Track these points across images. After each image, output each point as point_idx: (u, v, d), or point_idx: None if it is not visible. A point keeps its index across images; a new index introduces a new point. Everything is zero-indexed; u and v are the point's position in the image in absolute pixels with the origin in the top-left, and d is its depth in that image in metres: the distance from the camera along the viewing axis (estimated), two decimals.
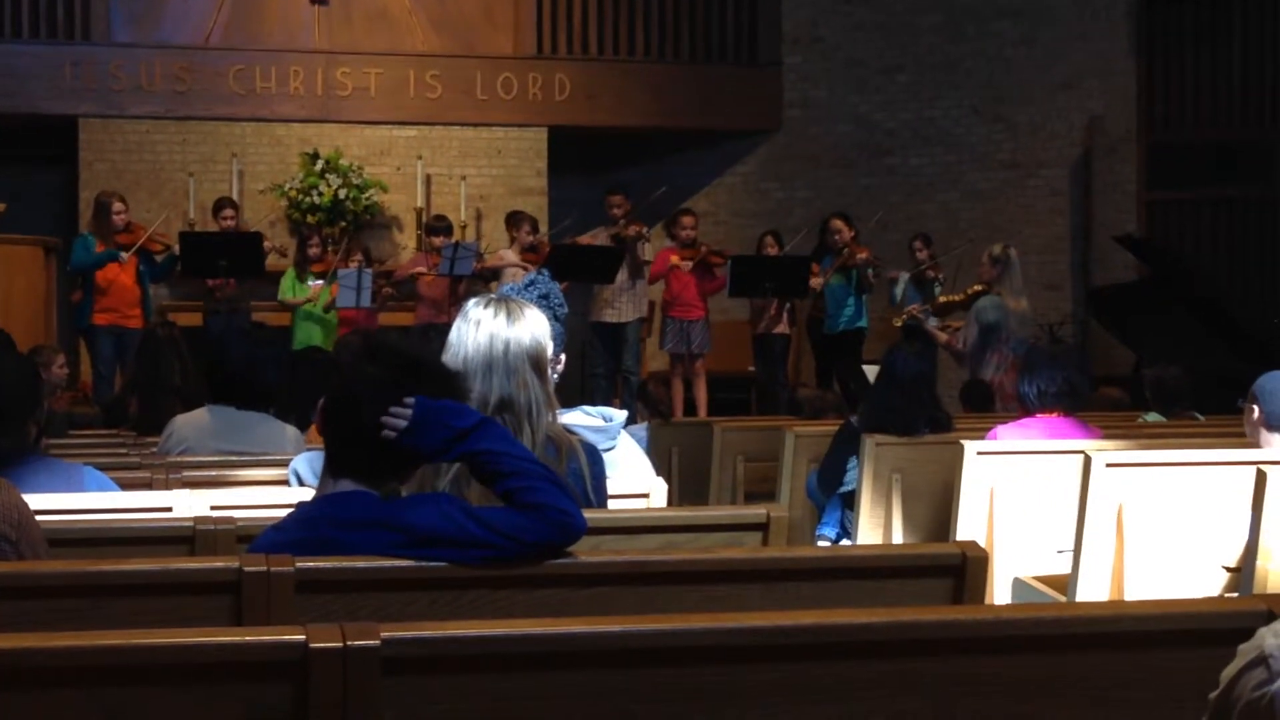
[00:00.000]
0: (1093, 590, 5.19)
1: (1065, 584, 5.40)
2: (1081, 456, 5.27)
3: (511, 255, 13.73)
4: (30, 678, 2.45)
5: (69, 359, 11.65)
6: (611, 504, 4.28)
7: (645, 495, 4.68)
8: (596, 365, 13.92)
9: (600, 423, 4.63)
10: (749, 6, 17.54)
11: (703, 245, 14.04)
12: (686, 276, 13.72)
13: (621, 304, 13.73)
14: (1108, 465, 5.18)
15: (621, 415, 4.76)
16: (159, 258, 13.56)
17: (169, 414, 7.09)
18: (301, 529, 3.39)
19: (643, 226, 13.89)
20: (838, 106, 17.38)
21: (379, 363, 3.46)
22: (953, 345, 13.03)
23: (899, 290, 14.10)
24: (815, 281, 13.87)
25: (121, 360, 12.57)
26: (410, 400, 3.36)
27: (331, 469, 3.48)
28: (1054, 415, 6.67)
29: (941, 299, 13.72)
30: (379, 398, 3.38)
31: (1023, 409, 6.88)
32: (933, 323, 13.60)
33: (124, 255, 12.88)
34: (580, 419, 4.56)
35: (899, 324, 13.77)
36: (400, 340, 3.61)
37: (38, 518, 3.71)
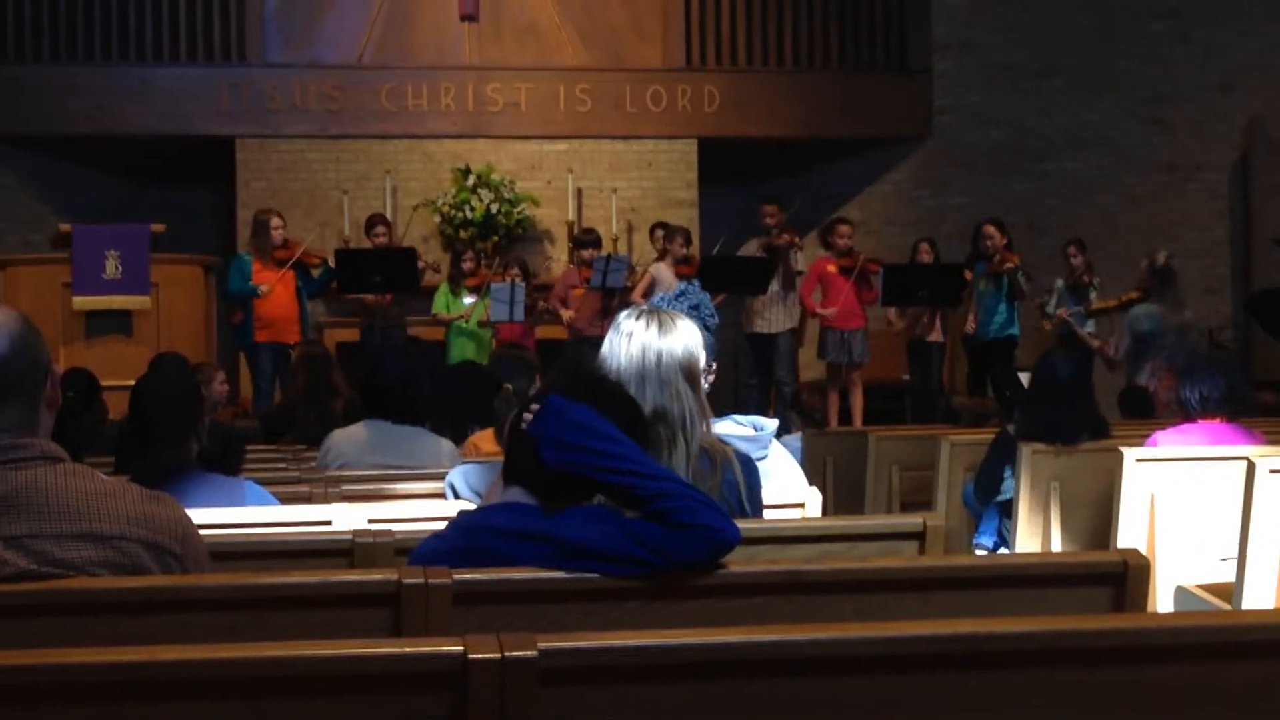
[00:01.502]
0: (1258, 598, 5.10)
1: (1230, 592, 5.30)
2: (1245, 462, 5.17)
3: (664, 270, 13.69)
4: (194, 689, 2.48)
5: (228, 376, 11.84)
6: (766, 514, 4.27)
7: (800, 505, 4.67)
8: (750, 376, 13.89)
9: (751, 432, 4.61)
10: (898, 12, 17.45)
11: (859, 254, 13.95)
12: (843, 284, 13.63)
13: (772, 314, 13.69)
14: (1271, 471, 5.08)
15: (773, 425, 4.74)
16: (316, 272, 13.72)
17: (339, 418, 7.20)
18: (461, 536, 3.41)
19: (795, 236, 13.84)
20: (990, 111, 17.24)
21: (573, 386, 3.47)
22: (1105, 352, 12.89)
23: (1054, 299, 13.94)
24: (970, 325, 13.78)
25: (280, 375, 12.74)
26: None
27: (505, 476, 3.50)
28: (1215, 421, 6.57)
29: (1097, 304, 13.57)
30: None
31: (1183, 415, 6.77)
32: (1087, 328, 13.45)
33: (263, 289, 13.03)
34: (731, 429, 4.55)
35: (1050, 328, 13.63)
36: (600, 372, 3.63)
37: (200, 532, 3.76)
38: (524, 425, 3.42)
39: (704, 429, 4.08)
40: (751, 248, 13.82)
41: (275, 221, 13.43)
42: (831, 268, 13.78)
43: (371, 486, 5.83)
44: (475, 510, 3.58)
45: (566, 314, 13.95)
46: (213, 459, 5.44)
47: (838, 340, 13.71)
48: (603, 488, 3.39)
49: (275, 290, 13.10)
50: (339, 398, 8.76)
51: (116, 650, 2.52)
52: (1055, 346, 8.21)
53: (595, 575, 3.26)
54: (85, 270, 12.21)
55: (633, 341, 4.04)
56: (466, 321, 13.97)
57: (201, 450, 5.47)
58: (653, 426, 3.94)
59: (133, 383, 5.25)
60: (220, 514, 4.47)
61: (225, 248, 15.57)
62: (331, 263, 13.72)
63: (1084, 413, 7.18)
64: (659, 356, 4.01)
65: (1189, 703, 2.75)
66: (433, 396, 6.73)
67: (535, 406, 3.42)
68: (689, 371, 4.04)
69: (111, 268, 12.12)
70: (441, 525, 3.55)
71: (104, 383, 9.21)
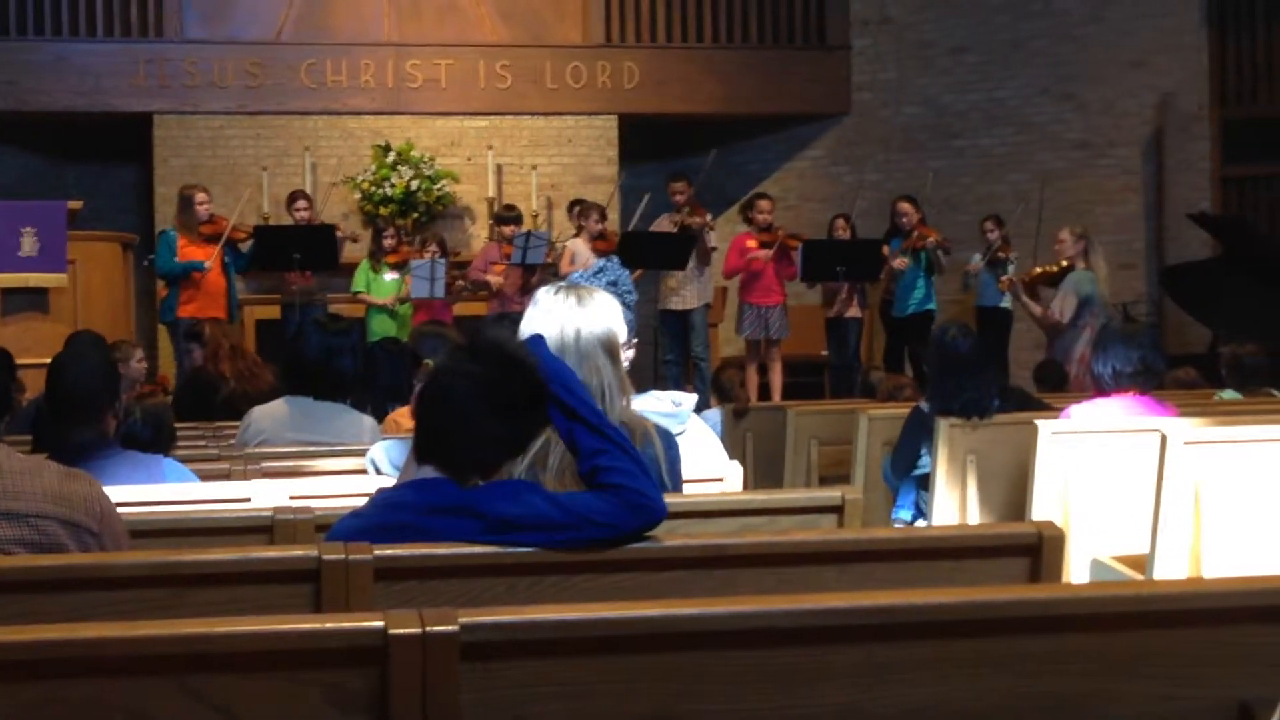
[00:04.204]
0: (1171, 569, 5.16)
1: (1143, 563, 5.37)
2: (1158, 435, 5.23)
3: (581, 245, 13.69)
4: (113, 666, 2.48)
5: (147, 353, 11.75)
6: (686, 488, 4.29)
7: (720, 480, 4.69)
8: (667, 352, 13.91)
9: (670, 407, 4.63)
10: None
11: (779, 230, 13.99)
12: (763, 262, 13.67)
13: (687, 291, 13.71)
14: (1185, 443, 5.14)
15: (691, 399, 4.76)
16: (244, 247, 13.62)
17: (261, 377, 7.17)
18: (381, 514, 3.41)
19: (707, 214, 13.87)
20: (907, 89, 17.32)
21: (479, 358, 3.47)
22: (1050, 318, 12.98)
23: (975, 267, 14.02)
24: (899, 261, 13.79)
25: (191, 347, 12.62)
26: None
27: (417, 454, 3.50)
28: (1129, 394, 6.62)
29: (1037, 270, 13.65)
30: (473, 393, 3.40)
31: (1097, 388, 6.83)
32: (1004, 302, 13.58)
33: (207, 265, 12.95)
34: (650, 404, 4.56)
35: (1004, 289, 13.69)
36: (505, 338, 3.63)
37: (118, 509, 3.75)
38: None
39: (624, 404, 4.09)
40: (663, 224, 13.83)
41: (201, 197, 13.32)
42: (752, 243, 13.81)
43: (292, 463, 5.81)
44: (392, 488, 3.58)
45: (495, 279, 13.92)
46: (145, 442, 5.42)
47: (756, 316, 13.75)
48: (565, 418, 3.41)
49: (214, 261, 13.02)
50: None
51: (34, 629, 2.51)
52: (947, 323, 8.24)
53: (517, 550, 3.27)
54: (0, 247, 12.07)
55: (552, 317, 4.05)
56: (392, 310, 13.91)
57: (130, 430, 5.46)
58: None
59: (49, 360, 5.22)
60: (139, 491, 4.45)
61: (145, 225, 15.46)
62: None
63: (990, 384, 7.25)
64: (578, 331, 4.02)
65: (1103, 670, 2.79)
66: (354, 373, 6.70)
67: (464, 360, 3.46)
68: (608, 346, 4.05)
69: (27, 245, 11.98)
70: (363, 502, 3.55)
71: (20, 361, 9.11)
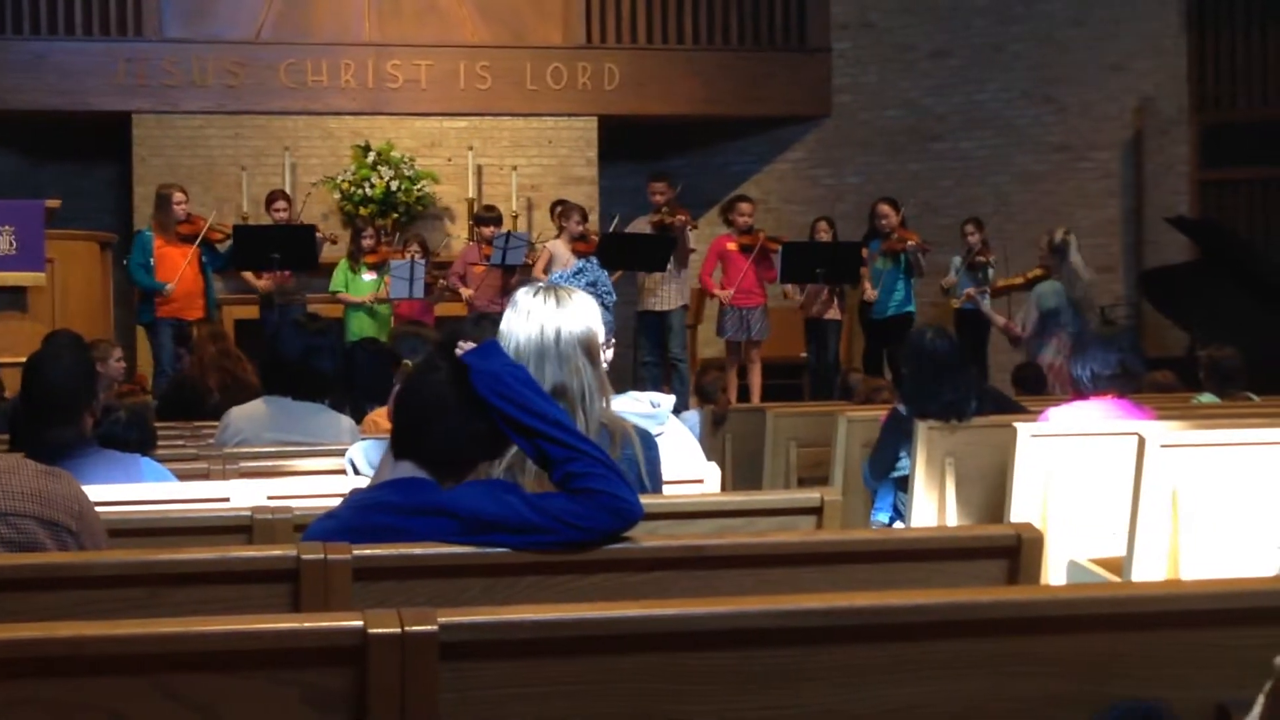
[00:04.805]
0: (1148, 571, 5.18)
1: (1120, 566, 5.38)
2: (1136, 438, 5.25)
3: (560, 247, 13.69)
4: (92, 665, 2.47)
5: (126, 353, 11.73)
6: (665, 489, 4.29)
7: (699, 481, 4.69)
8: (645, 354, 13.88)
9: (648, 408, 4.63)
10: None
11: (760, 232, 13.98)
12: (742, 262, 13.66)
13: (665, 292, 13.67)
14: (1162, 446, 5.15)
15: (670, 401, 4.76)
16: (221, 247, 13.60)
17: (248, 386, 7.17)
18: (358, 515, 3.41)
19: (687, 214, 13.85)
20: (887, 91, 17.33)
21: (453, 357, 3.48)
22: (1011, 329, 13.02)
23: (952, 275, 14.04)
24: (869, 294, 13.84)
25: (182, 353, 12.62)
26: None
27: (395, 451, 3.50)
28: (1107, 397, 6.64)
29: (1001, 283, 13.69)
30: (449, 386, 3.41)
31: (1076, 392, 6.84)
32: (986, 304, 13.58)
33: (169, 288, 12.93)
34: (628, 405, 4.56)
35: (957, 306, 13.74)
36: (483, 335, 3.64)
37: (97, 508, 3.74)
38: (460, 353, 3.43)
39: (603, 405, 4.09)
40: (642, 225, 13.81)
41: (178, 197, 13.30)
42: (732, 245, 13.80)
43: (270, 463, 5.81)
44: (367, 488, 3.58)
45: (466, 291, 13.92)
46: (129, 441, 5.41)
47: (737, 318, 13.74)
48: (522, 437, 3.40)
49: (180, 267, 12.99)
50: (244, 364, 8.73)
51: (11, 628, 2.51)
52: (925, 326, 8.25)
53: (496, 550, 3.27)
54: None
55: (531, 319, 4.04)
56: (371, 307, 13.89)
57: (112, 430, 5.44)
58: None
59: (27, 359, 5.20)
60: (118, 490, 4.44)
61: (123, 225, 15.42)
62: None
63: (968, 386, 7.26)
64: (558, 333, 4.01)
65: (1081, 672, 2.80)
66: (333, 373, 6.69)
67: (466, 344, 3.44)
68: (588, 347, 4.05)
69: (5, 243, 11.95)
70: (341, 502, 3.55)
71: None
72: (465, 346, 3.43)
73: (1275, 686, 2.08)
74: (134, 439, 5.48)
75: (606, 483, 3.32)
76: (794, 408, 10.16)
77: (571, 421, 3.53)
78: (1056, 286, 12.68)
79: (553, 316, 4.03)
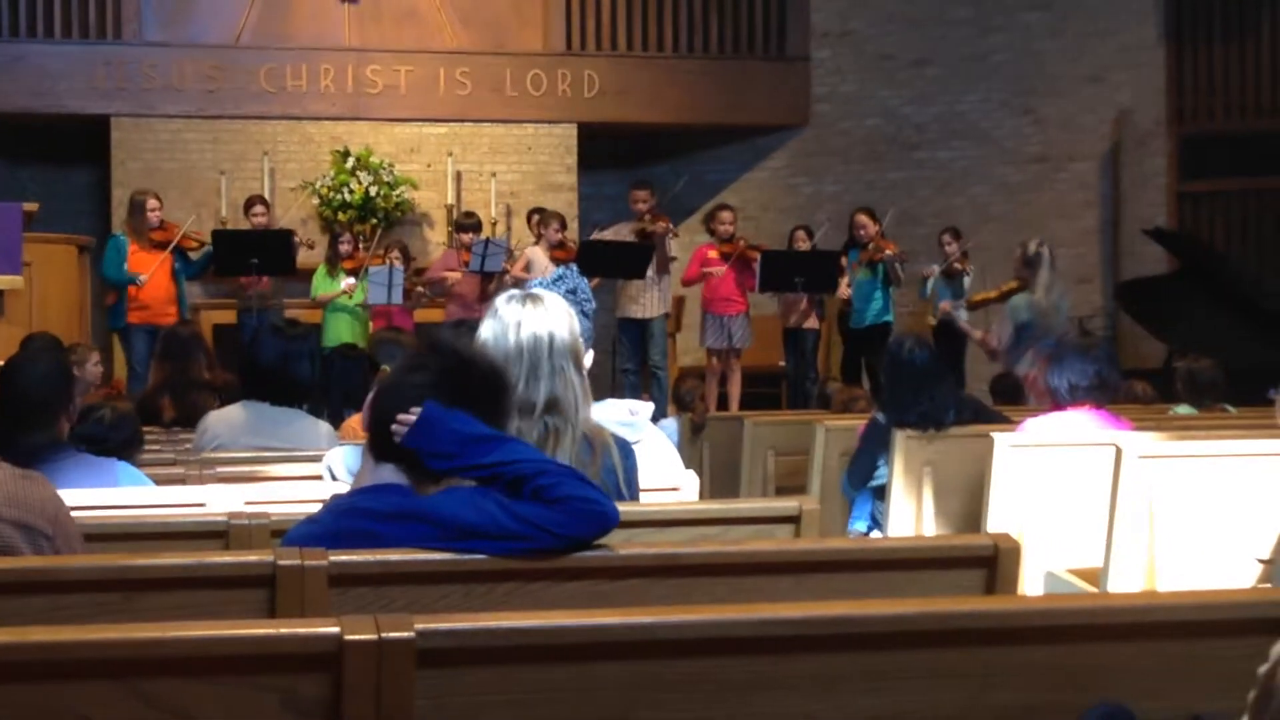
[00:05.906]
0: (1125, 582, 5.18)
1: (1097, 576, 5.38)
2: (1113, 449, 5.25)
3: (538, 253, 13.69)
4: (67, 670, 2.46)
5: (103, 357, 11.69)
6: (643, 497, 4.28)
7: (676, 489, 4.68)
8: (625, 361, 13.88)
9: (626, 416, 4.61)
10: (778, 1, 17.52)
11: (740, 240, 13.99)
12: (717, 278, 13.67)
13: (646, 299, 13.67)
14: (1140, 457, 5.15)
15: (648, 408, 4.75)
16: (194, 255, 13.60)
17: (203, 409, 7.13)
18: (337, 520, 3.40)
19: (669, 222, 13.85)
20: (866, 100, 17.36)
21: (433, 359, 3.47)
22: (988, 343, 13.03)
23: (930, 285, 14.05)
24: (844, 291, 13.88)
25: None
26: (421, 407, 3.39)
27: (375, 454, 3.49)
28: (1085, 408, 6.64)
29: (977, 297, 13.70)
30: (427, 387, 3.41)
31: (1053, 402, 6.85)
32: (962, 316, 13.59)
33: (141, 278, 12.92)
34: (607, 412, 4.54)
35: (934, 322, 13.75)
36: (459, 342, 3.63)
37: (72, 512, 3.73)
38: (399, 440, 3.40)
39: (585, 414, 4.08)
40: (624, 232, 13.81)
41: (152, 203, 13.30)
42: (713, 253, 13.81)
43: (247, 468, 5.78)
44: (347, 493, 3.56)
45: (454, 275, 13.90)
46: (110, 442, 5.39)
47: (718, 326, 13.75)
48: (492, 482, 3.38)
49: (152, 274, 12.98)
50: (203, 390, 8.50)
51: None
52: (903, 335, 8.26)
53: (473, 557, 3.27)
54: None
55: (522, 329, 4.02)
56: (350, 297, 13.87)
57: (96, 433, 5.42)
58: (546, 415, 3.96)
59: (3, 363, 5.19)
60: (94, 495, 4.43)
61: (101, 228, 15.37)
62: (210, 243, 13.60)
63: (946, 396, 7.27)
64: (551, 342, 4.00)
65: (1057, 682, 2.80)
66: (310, 378, 6.67)
67: (399, 428, 3.40)
68: (575, 355, 4.05)
69: None
70: (318, 508, 3.54)
71: None
72: (400, 431, 3.40)
73: (1259, 696, 2.08)
74: (116, 440, 5.46)
75: (579, 488, 3.31)
76: (772, 416, 10.16)
77: (528, 446, 3.51)
78: (1029, 300, 12.68)
79: (544, 326, 4.02)
